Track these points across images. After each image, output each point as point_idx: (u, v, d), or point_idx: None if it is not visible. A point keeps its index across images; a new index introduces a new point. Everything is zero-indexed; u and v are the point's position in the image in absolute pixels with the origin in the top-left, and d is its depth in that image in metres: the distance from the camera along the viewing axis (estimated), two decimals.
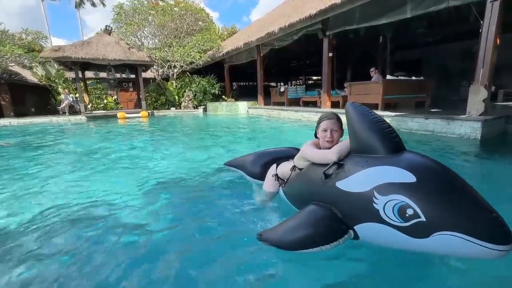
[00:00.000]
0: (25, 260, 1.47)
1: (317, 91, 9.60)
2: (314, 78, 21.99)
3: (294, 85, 13.11)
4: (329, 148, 1.55)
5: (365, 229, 1.23)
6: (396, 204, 1.08)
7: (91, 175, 3.05)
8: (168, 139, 5.76)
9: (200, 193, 2.40)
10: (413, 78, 7.53)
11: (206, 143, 5.11)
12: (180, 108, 13.66)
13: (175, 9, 13.10)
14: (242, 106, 12.25)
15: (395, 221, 1.09)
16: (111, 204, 2.19)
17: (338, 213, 1.33)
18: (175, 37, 13.33)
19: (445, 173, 1.14)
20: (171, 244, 1.63)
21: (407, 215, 1.06)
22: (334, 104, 8.34)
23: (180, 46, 13.08)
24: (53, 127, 8.68)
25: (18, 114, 11.92)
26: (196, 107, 13.67)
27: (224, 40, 16.95)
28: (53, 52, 10.40)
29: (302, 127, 6.95)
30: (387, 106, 6.89)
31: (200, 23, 13.86)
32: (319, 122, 1.68)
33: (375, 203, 1.14)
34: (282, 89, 11.03)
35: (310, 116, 7.91)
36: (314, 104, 9.70)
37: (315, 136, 1.76)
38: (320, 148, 1.65)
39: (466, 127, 4.38)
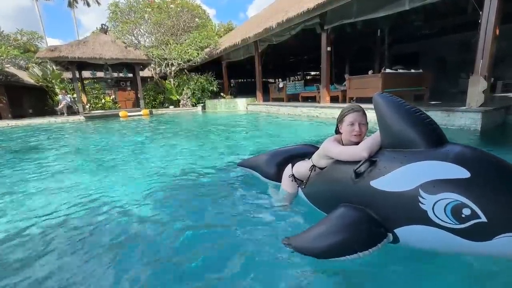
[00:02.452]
0: (14, 265, 1.47)
1: (316, 86, 9.58)
2: (313, 73, 21.93)
3: (292, 81, 13.05)
4: (356, 143, 1.43)
5: (409, 232, 1.10)
6: (448, 203, 0.96)
7: (98, 174, 3.06)
8: (173, 137, 5.76)
9: (214, 195, 2.27)
10: (412, 71, 7.53)
11: (212, 140, 5.09)
12: (179, 107, 13.62)
13: (171, 6, 12.99)
14: (241, 103, 12.22)
15: (448, 222, 0.97)
16: (119, 206, 2.15)
17: (374, 215, 1.20)
18: (172, 34, 13.24)
19: (502, 165, 1.01)
20: (188, 250, 1.50)
21: (463, 215, 0.93)
22: (333, 99, 8.33)
23: (177, 44, 13.00)
24: (51, 127, 8.65)
25: (16, 116, 11.86)
26: (194, 105, 13.63)
27: (221, 36, 16.84)
28: (49, 52, 10.32)
29: (302, 122, 6.96)
30: None
31: (196, 20, 13.77)
32: (343, 116, 1.53)
33: (421, 203, 1.01)
34: (280, 85, 11.00)
35: (309, 111, 7.90)
36: (313, 99, 9.69)
37: (336, 132, 1.61)
38: (343, 145, 1.52)
39: (466, 119, 4.39)
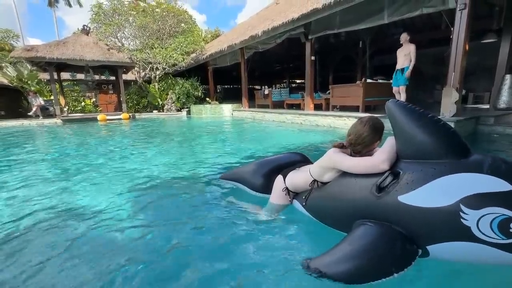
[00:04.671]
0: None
1: (301, 94, 9.77)
2: (298, 81, 22.35)
3: (278, 88, 13.27)
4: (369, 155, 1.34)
5: (448, 249, 1.04)
6: (494, 218, 0.91)
7: (66, 181, 2.90)
8: (151, 143, 5.61)
9: (196, 211, 2.00)
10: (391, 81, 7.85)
11: (194, 147, 4.99)
12: (163, 111, 13.38)
13: (157, 10, 12.86)
14: (227, 109, 12.20)
15: (495, 238, 0.93)
16: (88, 215, 2.06)
17: (403, 232, 1.12)
18: (157, 38, 13.08)
19: None
20: (167, 281, 1.28)
21: (511, 230, 0.90)
22: (317, 107, 8.51)
23: (162, 48, 12.85)
24: (24, 131, 8.19)
25: None
26: (179, 110, 13.45)
27: (208, 42, 16.85)
28: (25, 52, 9.86)
29: (286, 128, 7.03)
30: (368, 108, 7.13)
31: (182, 25, 13.70)
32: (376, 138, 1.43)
33: (464, 219, 0.96)
34: (266, 92, 11.12)
35: (294, 118, 8.01)
36: (297, 106, 9.85)
37: (344, 146, 1.51)
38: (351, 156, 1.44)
39: None
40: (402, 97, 5.63)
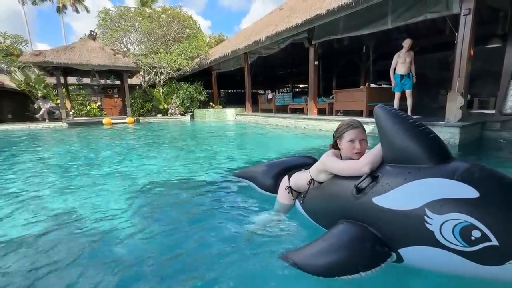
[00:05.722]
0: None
1: (304, 98, 9.77)
2: (301, 85, 22.40)
3: (281, 93, 13.28)
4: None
5: (415, 253, 1.05)
6: (457, 224, 0.91)
7: (71, 185, 2.93)
8: (159, 145, 5.64)
9: (204, 206, 2.16)
10: None
11: (201, 150, 5.01)
12: (167, 115, 13.48)
13: (162, 16, 13.07)
14: (230, 113, 12.25)
15: (456, 245, 0.92)
16: (95, 221, 2.08)
17: (377, 234, 1.14)
18: (162, 43, 13.26)
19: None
20: (176, 268, 1.38)
21: (472, 238, 0.89)
22: (321, 111, 8.50)
23: (167, 53, 13.01)
24: (31, 134, 8.30)
25: None
26: (183, 114, 13.54)
27: (212, 47, 17.03)
28: (33, 56, 10.06)
29: (290, 133, 7.02)
30: (371, 113, 7.09)
31: (187, 30, 13.89)
32: (342, 132, 1.48)
33: (427, 223, 0.96)
34: (269, 96, 11.15)
35: (297, 122, 8.01)
36: (301, 111, 9.85)
37: (334, 147, 1.58)
38: (342, 159, 1.49)
39: (445, 133, 4.57)
40: (409, 101, 5.62)
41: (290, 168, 2.12)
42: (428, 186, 1.01)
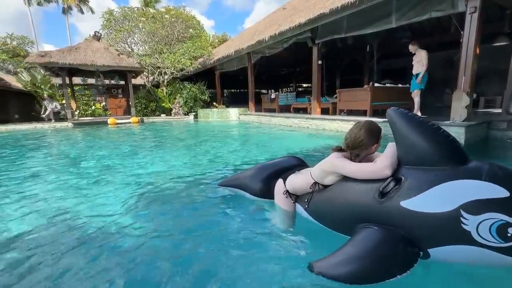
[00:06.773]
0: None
1: (307, 98, 9.74)
2: (305, 85, 22.33)
3: (284, 92, 13.28)
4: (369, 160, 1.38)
5: (449, 252, 1.09)
6: (493, 223, 0.98)
7: (73, 186, 2.96)
8: (160, 146, 5.68)
9: (202, 216, 2.02)
10: (399, 85, 7.77)
11: (202, 150, 5.03)
12: (171, 115, 13.55)
13: (166, 16, 13.12)
14: (234, 113, 12.27)
15: (493, 242, 0.99)
16: (97, 221, 2.10)
17: (406, 235, 1.16)
18: (165, 44, 13.32)
19: None
20: (182, 270, 1.35)
21: (508, 234, 0.97)
22: (324, 111, 8.47)
23: (170, 53, 13.07)
24: (37, 133, 8.41)
25: (0, 121, 11.50)
26: (186, 113, 13.60)
27: (215, 47, 17.06)
28: (39, 57, 10.18)
29: (293, 132, 7.02)
30: (375, 113, 7.06)
31: (191, 30, 13.93)
32: (372, 143, 1.47)
33: (464, 224, 1.01)
34: (273, 96, 11.14)
35: (300, 122, 7.99)
36: (304, 110, 9.82)
37: (340, 150, 1.54)
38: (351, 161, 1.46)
39: (451, 132, 4.52)
40: (415, 101, 5.67)
41: (280, 170, 2.03)
42: (459, 188, 1.05)
